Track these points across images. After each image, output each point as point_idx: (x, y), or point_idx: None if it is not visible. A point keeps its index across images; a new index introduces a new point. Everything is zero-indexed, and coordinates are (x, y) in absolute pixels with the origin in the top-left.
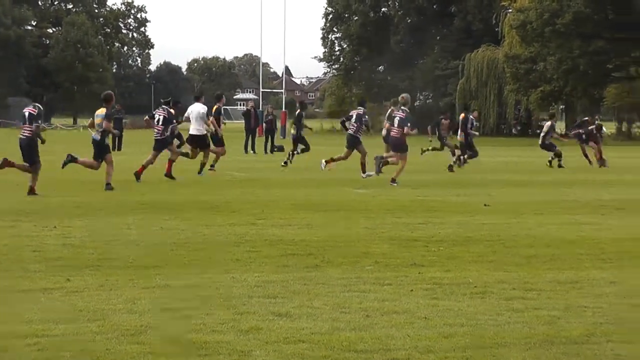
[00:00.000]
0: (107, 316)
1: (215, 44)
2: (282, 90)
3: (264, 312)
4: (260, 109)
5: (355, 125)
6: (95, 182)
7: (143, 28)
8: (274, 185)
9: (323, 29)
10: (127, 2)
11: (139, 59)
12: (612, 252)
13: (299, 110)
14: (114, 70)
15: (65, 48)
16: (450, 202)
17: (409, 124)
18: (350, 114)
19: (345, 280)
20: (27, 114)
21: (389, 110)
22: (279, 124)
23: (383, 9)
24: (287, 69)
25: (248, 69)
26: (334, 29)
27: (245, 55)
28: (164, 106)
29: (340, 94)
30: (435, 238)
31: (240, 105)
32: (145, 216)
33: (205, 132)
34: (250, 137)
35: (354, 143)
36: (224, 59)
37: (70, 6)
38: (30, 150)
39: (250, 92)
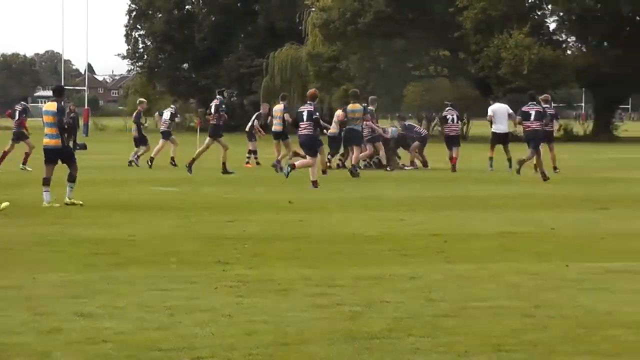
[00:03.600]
0: None
1: (14, 40)
2: (85, 88)
3: (66, 312)
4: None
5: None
6: None
7: None
8: (78, 184)
9: (126, 26)
10: None
11: None
12: (412, 247)
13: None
14: None
15: None
16: (255, 200)
17: None
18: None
19: (149, 279)
20: None
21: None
22: (81, 122)
23: (187, 7)
24: (89, 66)
25: (50, 66)
26: (138, 26)
27: (47, 52)
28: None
29: (144, 92)
30: (242, 236)
31: (42, 102)
32: None
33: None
34: None
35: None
36: (25, 55)
37: None
38: None
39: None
